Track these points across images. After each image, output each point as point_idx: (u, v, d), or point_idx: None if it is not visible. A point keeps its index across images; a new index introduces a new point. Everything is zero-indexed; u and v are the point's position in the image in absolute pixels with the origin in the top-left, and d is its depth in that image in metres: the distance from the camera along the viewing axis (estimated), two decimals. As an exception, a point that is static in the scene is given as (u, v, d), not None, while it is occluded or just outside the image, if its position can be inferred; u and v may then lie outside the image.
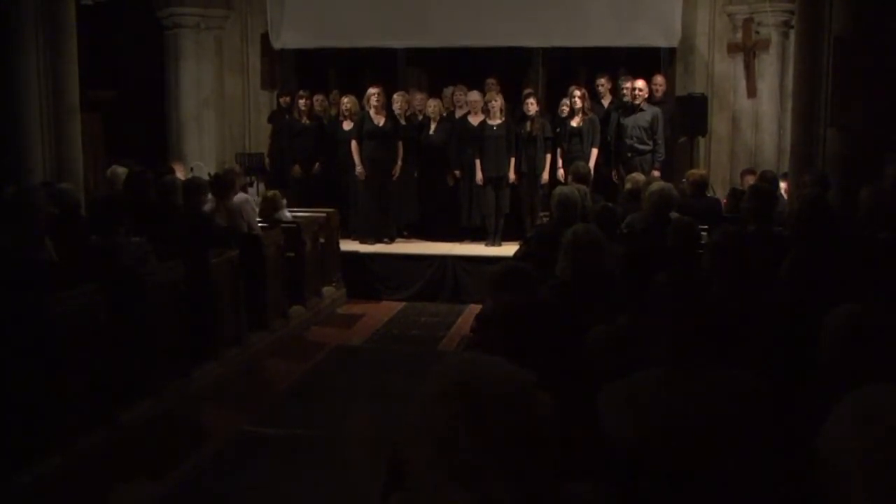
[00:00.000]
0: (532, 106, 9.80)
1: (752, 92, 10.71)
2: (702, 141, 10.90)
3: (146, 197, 6.99)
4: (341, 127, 10.32)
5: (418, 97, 10.55)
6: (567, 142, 9.87)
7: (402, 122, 10.15)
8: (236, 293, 6.93)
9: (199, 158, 10.93)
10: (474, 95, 9.96)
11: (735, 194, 8.07)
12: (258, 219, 8.14)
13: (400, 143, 10.04)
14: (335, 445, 5.38)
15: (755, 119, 10.79)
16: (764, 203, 5.54)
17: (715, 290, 3.73)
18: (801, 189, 6.69)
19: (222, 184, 7.76)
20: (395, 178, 10.04)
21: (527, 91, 10.20)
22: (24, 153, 7.68)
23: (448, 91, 10.67)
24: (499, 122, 9.80)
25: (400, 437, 1.39)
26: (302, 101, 10.62)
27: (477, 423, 1.32)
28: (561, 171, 9.76)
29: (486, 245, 9.92)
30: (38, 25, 7.69)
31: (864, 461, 1.43)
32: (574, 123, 9.84)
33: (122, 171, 7.50)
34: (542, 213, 9.17)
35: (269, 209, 8.48)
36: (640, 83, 9.75)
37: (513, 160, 9.84)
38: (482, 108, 9.85)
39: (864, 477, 1.43)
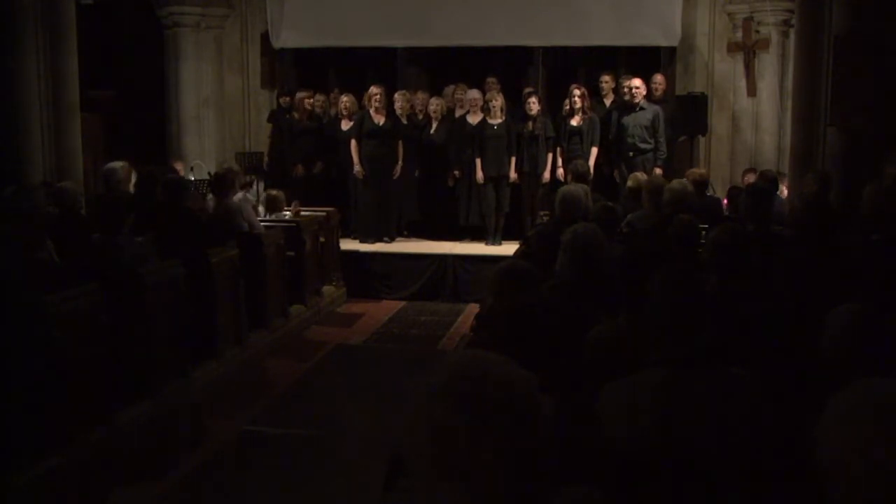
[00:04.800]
0: (534, 105, 9.79)
1: (751, 91, 10.71)
2: (702, 140, 10.91)
3: (154, 197, 7.00)
4: (340, 126, 10.33)
5: (419, 96, 10.56)
6: (567, 141, 9.88)
7: (403, 121, 10.15)
8: (236, 293, 6.92)
9: (199, 158, 10.94)
10: (474, 94, 9.96)
11: (735, 193, 8.07)
12: (270, 217, 8.23)
13: (400, 143, 10.05)
14: (335, 445, 5.37)
15: (755, 119, 10.79)
16: (761, 202, 5.54)
17: (714, 288, 3.73)
18: (803, 189, 6.69)
19: (222, 183, 7.77)
20: (395, 177, 10.05)
21: (528, 90, 10.20)
22: (24, 153, 7.68)
23: (448, 90, 10.67)
24: (499, 121, 9.80)
25: (400, 431, 1.39)
26: (306, 101, 10.64)
27: (476, 420, 1.32)
28: (561, 171, 9.77)
29: (487, 244, 9.93)
30: (38, 25, 7.69)
31: (861, 456, 1.44)
32: (574, 123, 9.83)
33: (119, 165, 7.49)
34: (542, 213, 9.17)
35: (272, 209, 8.66)
36: (636, 81, 9.75)
37: (513, 159, 9.85)
38: (482, 108, 9.85)
39: (861, 472, 1.43)
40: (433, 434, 1.33)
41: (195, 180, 9.53)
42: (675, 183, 6.33)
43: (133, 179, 7.49)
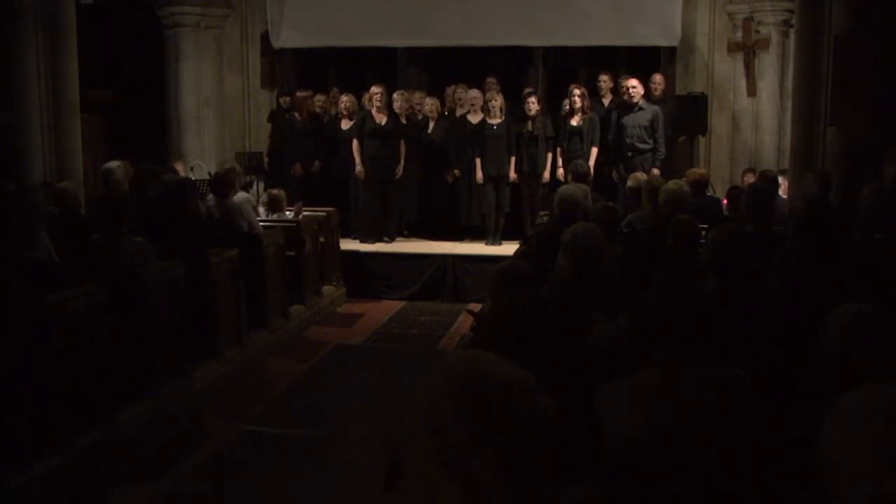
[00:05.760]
0: (533, 105, 9.80)
1: (751, 91, 10.72)
2: (702, 140, 10.91)
3: (148, 194, 7.01)
4: (340, 126, 10.33)
5: (417, 96, 10.57)
6: (567, 141, 9.88)
7: (403, 121, 10.16)
8: (236, 293, 6.92)
9: (199, 158, 10.95)
10: (474, 93, 9.97)
11: (735, 193, 8.07)
12: (271, 216, 8.21)
13: (402, 143, 10.05)
14: (335, 445, 5.38)
15: (755, 119, 10.80)
16: (762, 202, 5.53)
17: (714, 287, 3.73)
18: (804, 189, 6.69)
19: (222, 183, 7.77)
20: (397, 177, 10.05)
21: (528, 90, 10.20)
22: (24, 153, 7.68)
23: (449, 90, 10.67)
24: (499, 121, 9.80)
25: (400, 431, 1.39)
26: (309, 103, 10.65)
27: (475, 420, 1.32)
28: (561, 171, 9.77)
29: (486, 244, 9.93)
30: (38, 25, 7.69)
31: (863, 460, 1.44)
32: (574, 122, 9.83)
33: (117, 165, 7.50)
34: (542, 213, 9.18)
35: (274, 208, 8.71)
36: (632, 81, 9.74)
37: (513, 159, 9.85)
38: (482, 108, 9.85)
39: (863, 476, 1.43)
40: (432, 434, 1.33)
41: (195, 180, 9.53)
42: (672, 183, 6.32)
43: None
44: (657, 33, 10.65)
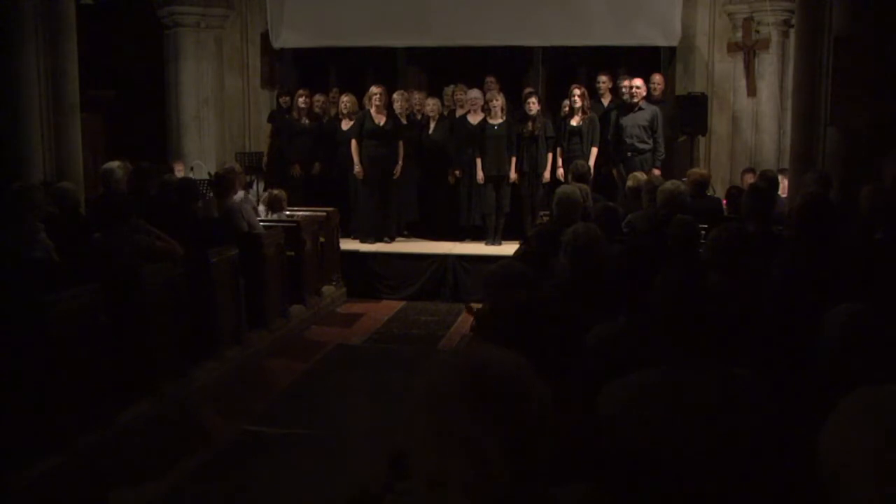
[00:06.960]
0: (533, 105, 9.79)
1: (751, 91, 10.72)
2: (702, 140, 10.91)
3: (147, 193, 7.01)
4: (340, 126, 10.33)
5: (417, 96, 10.56)
6: (567, 141, 9.87)
7: (403, 121, 10.16)
8: (236, 293, 6.93)
9: (199, 158, 10.94)
10: (475, 93, 9.97)
11: (735, 193, 8.07)
12: (272, 217, 8.25)
13: (401, 143, 10.05)
14: (335, 445, 5.37)
15: (755, 119, 10.80)
16: (762, 202, 5.53)
17: (714, 287, 3.73)
18: (804, 189, 6.68)
19: (222, 183, 7.77)
20: (396, 177, 10.05)
21: (528, 90, 10.20)
22: (24, 153, 7.68)
23: (449, 90, 10.68)
24: (500, 121, 9.80)
25: (401, 430, 1.40)
26: (301, 100, 10.64)
27: (477, 402, 1.33)
28: (561, 171, 9.77)
29: (487, 244, 9.93)
30: (38, 25, 7.68)
31: (865, 462, 1.43)
32: (574, 122, 9.83)
33: (117, 165, 7.49)
34: (542, 213, 9.18)
35: (274, 208, 8.74)
36: (637, 81, 9.75)
37: (513, 159, 9.85)
38: (483, 108, 9.85)
39: (865, 478, 1.43)
40: (437, 408, 1.34)
41: (195, 180, 9.52)
42: (669, 184, 6.32)
43: (131, 177, 7.51)
44: (657, 33, 10.65)
